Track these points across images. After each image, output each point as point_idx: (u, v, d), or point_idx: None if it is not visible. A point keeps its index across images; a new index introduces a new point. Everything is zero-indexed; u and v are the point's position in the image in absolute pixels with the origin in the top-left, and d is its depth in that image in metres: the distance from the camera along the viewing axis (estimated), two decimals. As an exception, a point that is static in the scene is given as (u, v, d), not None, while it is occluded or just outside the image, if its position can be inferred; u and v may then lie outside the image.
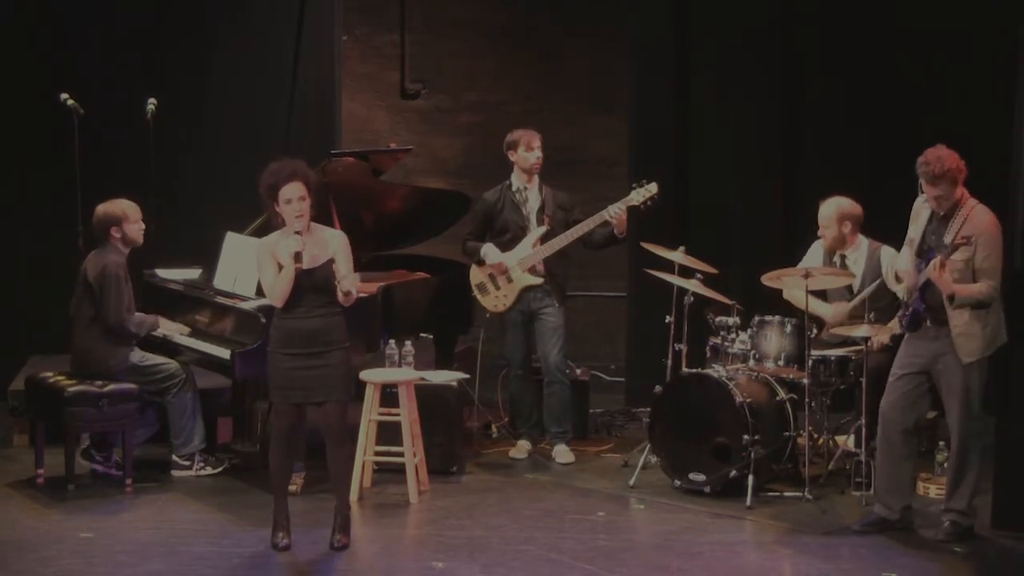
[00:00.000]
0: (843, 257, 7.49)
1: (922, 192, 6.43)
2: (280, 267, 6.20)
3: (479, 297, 8.00)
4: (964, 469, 6.48)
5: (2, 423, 8.27)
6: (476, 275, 7.99)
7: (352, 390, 6.45)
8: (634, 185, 7.77)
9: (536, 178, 7.95)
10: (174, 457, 7.50)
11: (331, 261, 6.23)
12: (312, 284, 6.21)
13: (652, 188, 7.69)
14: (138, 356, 7.42)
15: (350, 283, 6.19)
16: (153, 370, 7.42)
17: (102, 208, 7.40)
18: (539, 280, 7.84)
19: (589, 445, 8.27)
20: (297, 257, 6.13)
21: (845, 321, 7.34)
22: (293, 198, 6.13)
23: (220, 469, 7.55)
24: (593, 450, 8.18)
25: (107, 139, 8.73)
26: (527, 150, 7.86)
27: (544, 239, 7.82)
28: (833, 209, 7.43)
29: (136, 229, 7.42)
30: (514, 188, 7.94)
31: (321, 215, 6.65)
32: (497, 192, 7.99)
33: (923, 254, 6.43)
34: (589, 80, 10.46)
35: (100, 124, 8.43)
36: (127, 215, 7.39)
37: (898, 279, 6.74)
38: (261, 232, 7.49)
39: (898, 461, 6.60)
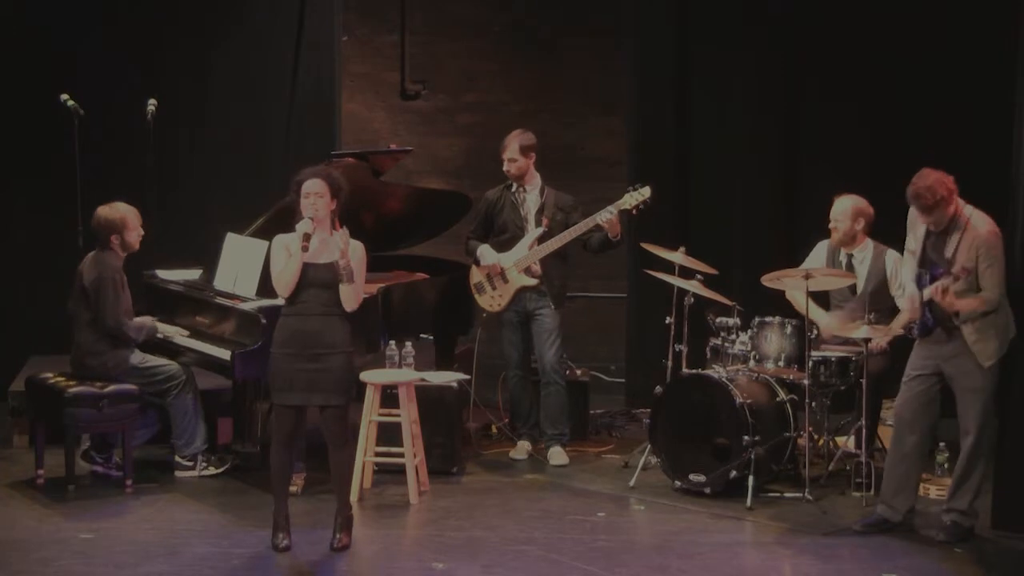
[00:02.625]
0: (850, 256, 7.50)
1: None
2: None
3: (476, 297, 8.01)
4: (972, 470, 6.48)
5: (2, 423, 8.26)
6: (475, 275, 8.01)
7: (352, 393, 6.45)
8: (629, 188, 7.77)
9: (536, 178, 7.94)
10: (177, 458, 7.50)
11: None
12: (316, 279, 6.22)
13: (645, 192, 7.68)
14: (138, 358, 7.41)
15: (344, 263, 6.20)
16: (153, 372, 7.42)
17: (104, 213, 7.35)
18: (534, 281, 7.84)
19: (589, 446, 8.27)
20: (305, 238, 6.15)
21: (840, 331, 7.33)
22: (311, 192, 6.21)
23: (223, 469, 7.55)
24: (593, 451, 8.18)
25: (107, 139, 8.74)
26: (501, 157, 7.88)
27: (542, 240, 7.82)
28: (849, 204, 7.43)
29: (135, 236, 7.40)
30: (513, 189, 7.95)
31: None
32: (498, 192, 8.00)
33: (925, 265, 6.44)
34: (589, 80, 10.46)
35: (100, 124, 8.43)
36: (127, 223, 7.35)
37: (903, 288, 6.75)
38: (261, 232, 7.51)
39: (909, 463, 6.59)
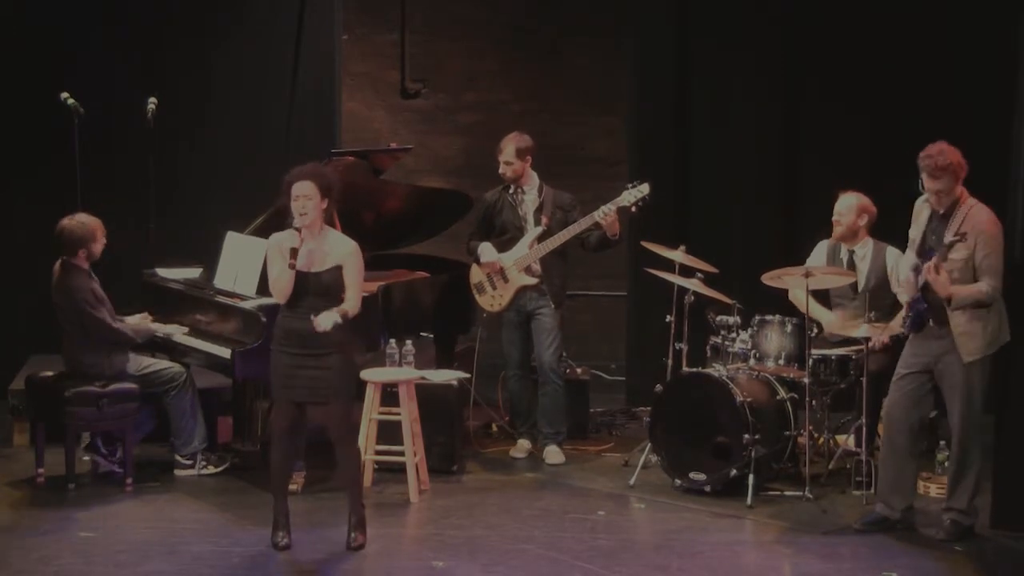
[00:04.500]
0: (851, 253, 7.51)
1: (923, 190, 6.44)
2: None
3: (477, 297, 8.01)
4: (965, 468, 6.49)
5: (2, 422, 8.26)
6: (475, 274, 8.01)
7: (354, 390, 6.45)
8: (628, 186, 7.77)
9: (534, 179, 7.94)
10: (176, 457, 7.50)
11: (337, 268, 6.23)
12: (313, 288, 6.21)
13: (644, 189, 7.68)
14: (135, 365, 7.38)
15: (325, 320, 6.13)
16: (154, 377, 7.40)
17: (71, 227, 7.22)
18: (534, 280, 7.84)
19: (589, 445, 8.26)
20: (292, 253, 6.14)
21: (842, 329, 7.34)
22: (300, 196, 6.18)
23: (222, 468, 7.55)
24: (593, 450, 8.18)
25: (107, 139, 8.73)
26: (497, 160, 7.88)
27: (541, 239, 7.82)
28: (854, 200, 7.46)
29: (101, 247, 7.30)
30: (511, 190, 7.95)
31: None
32: (496, 193, 8.01)
33: (924, 254, 6.44)
34: (589, 80, 10.47)
35: (100, 124, 8.43)
36: (96, 235, 7.25)
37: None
38: (261, 232, 7.51)
39: (901, 461, 6.60)
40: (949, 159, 6.29)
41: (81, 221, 7.27)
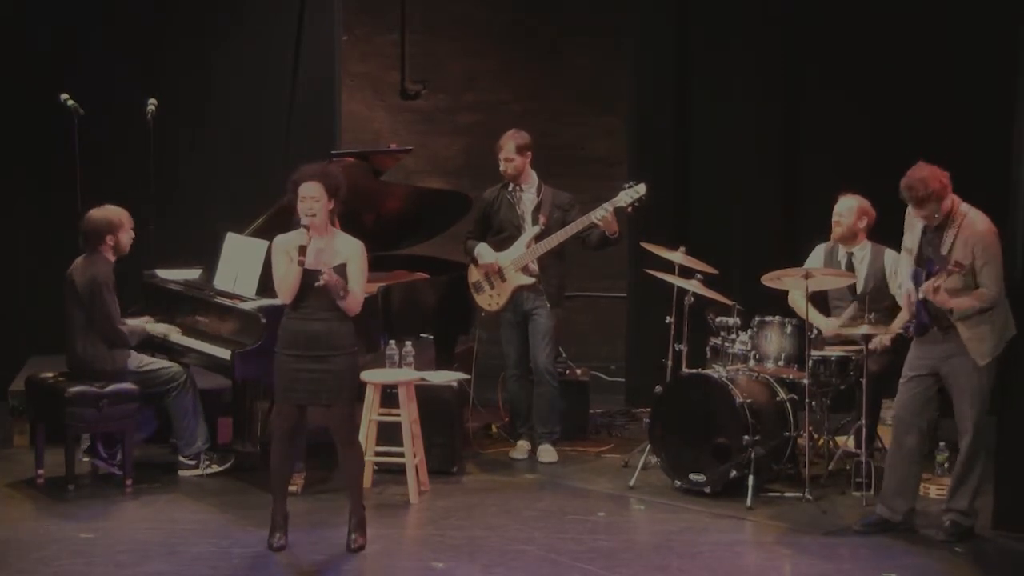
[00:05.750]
0: (850, 255, 7.51)
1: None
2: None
3: (474, 296, 8.02)
4: (971, 470, 6.48)
5: (2, 423, 8.26)
6: (473, 274, 8.02)
7: (356, 392, 6.44)
8: (625, 186, 7.77)
9: (533, 177, 7.95)
10: (180, 458, 7.50)
11: (343, 266, 6.23)
12: (319, 286, 6.20)
13: (640, 190, 7.68)
14: (136, 362, 7.39)
15: (327, 275, 6.12)
16: (154, 375, 7.40)
17: (98, 214, 7.32)
18: (531, 280, 7.84)
19: (589, 446, 8.26)
20: (300, 251, 6.14)
21: (842, 331, 7.34)
22: (307, 197, 6.18)
23: (227, 466, 7.55)
24: (593, 450, 8.18)
25: (107, 139, 8.74)
26: (497, 157, 7.88)
27: (539, 239, 7.82)
28: (854, 203, 7.48)
29: (128, 237, 7.37)
30: (510, 188, 7.95)
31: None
32: (495, 191, 8.01)
33: (922, 263, 6.44)
34: (589, 80, 10.47)
35: (100, 124, 8.43)
36: (123, 223, 7.33)
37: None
38: (261, 232, 7.52)
39: (909, 464, 6.59)
40: (930, 187, 6.27)
41: (107, 210, 7.34)
